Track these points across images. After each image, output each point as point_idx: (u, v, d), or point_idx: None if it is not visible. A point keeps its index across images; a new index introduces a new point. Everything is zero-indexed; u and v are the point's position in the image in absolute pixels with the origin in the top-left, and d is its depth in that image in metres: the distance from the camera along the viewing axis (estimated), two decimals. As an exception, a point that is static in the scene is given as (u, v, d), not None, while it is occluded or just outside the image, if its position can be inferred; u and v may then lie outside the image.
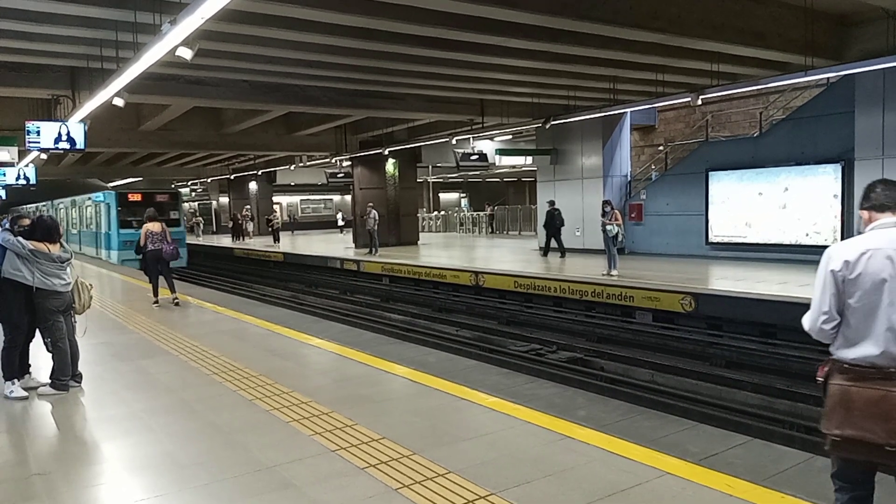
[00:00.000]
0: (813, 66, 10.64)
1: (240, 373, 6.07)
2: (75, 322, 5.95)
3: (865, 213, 2.74)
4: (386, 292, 17.45)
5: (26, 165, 18.25)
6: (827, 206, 13.36)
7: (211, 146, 23.20)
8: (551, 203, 17.88)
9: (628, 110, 16.40)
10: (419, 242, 25.43)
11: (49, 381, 5.66)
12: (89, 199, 24.60)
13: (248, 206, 36.26)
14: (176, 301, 10.63)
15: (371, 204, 21.75)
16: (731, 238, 15.21)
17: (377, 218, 20.94)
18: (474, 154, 20.26)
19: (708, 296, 10.66)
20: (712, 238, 15.60)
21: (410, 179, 26.06)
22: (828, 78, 12.72)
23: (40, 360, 5.98)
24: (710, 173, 15.50)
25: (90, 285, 6.00)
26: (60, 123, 11.44)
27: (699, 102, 12.74)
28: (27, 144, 11.38)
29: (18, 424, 4.96)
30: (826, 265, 2.68)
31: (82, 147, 11.72)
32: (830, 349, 2.74)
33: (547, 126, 16.26)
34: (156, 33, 6.84)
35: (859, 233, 2.79)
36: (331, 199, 47.27)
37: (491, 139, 23.13)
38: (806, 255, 13.13)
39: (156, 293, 10.66)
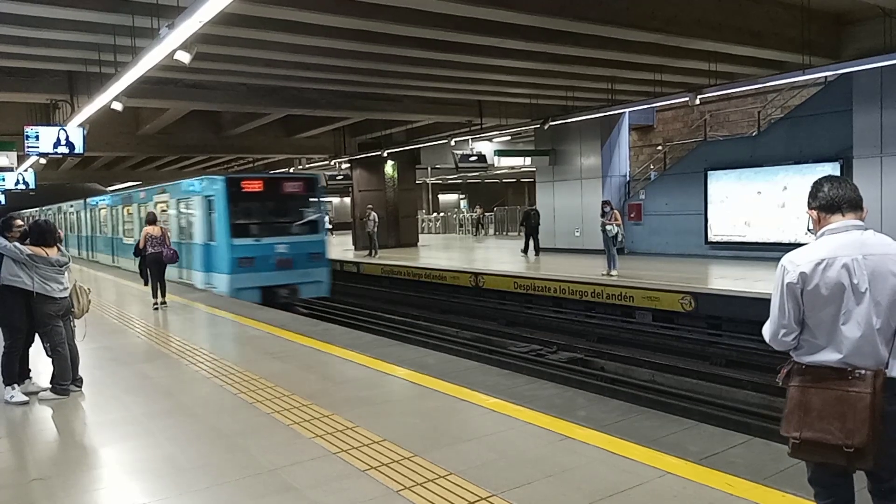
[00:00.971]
0: (810, 65, 10.66)
1: (240, 376, 6.06)
2: (74, 326, 5.95)
3: (814, 213, 2.65)
4: (386, 294, 17.43)
5: (25, 170, 18.27)
6: (826, 204, 13.34)
7: (210, 150, 23.17)
8: (531, 205, 18.12)
9: (626, 110, 16.41)
10: (419, 244, 25.43)
11: (50, 385, 5.66)
12: (164, 191, 16.25)
13: None
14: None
15: (370, 206, 21.76)
16: (731, 237, 15.21)
17: (377, 220, 20.95)
18: (473, 155, 20.27)
19: (707, 295, 10.66)
20: (711, 237, 15.60)
21: (409, 181, 26.08)
22: (825, 77, 12.77)
23: (40, 364, 5.98)
24: (709, 173, 15.51)
25: (88, 289, 6.00)
26: (59, 128, 11.44)
27: (697, 102, 12.77)
28: (26, 149, 11.41)
29: (18, 429, 4.96)
30: (782, 277, 2.61)
31: (81, 151, 11.74)
32: (790, 352, 2.69)
33: (545, 127, 16.28)
34: (154, 37, 6.85)
35: (809, 230, 2.72)
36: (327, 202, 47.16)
37: (489, 140, 23.15)
38: (805, 254, 13.11)
39: (154, 295, 10.78)
